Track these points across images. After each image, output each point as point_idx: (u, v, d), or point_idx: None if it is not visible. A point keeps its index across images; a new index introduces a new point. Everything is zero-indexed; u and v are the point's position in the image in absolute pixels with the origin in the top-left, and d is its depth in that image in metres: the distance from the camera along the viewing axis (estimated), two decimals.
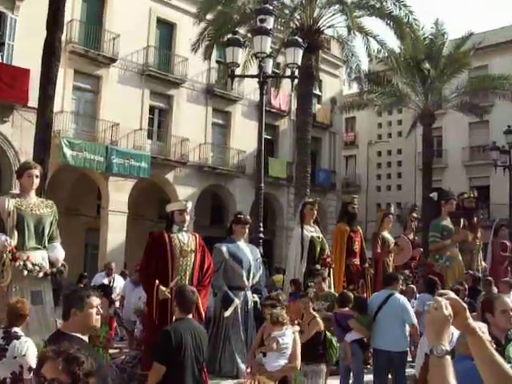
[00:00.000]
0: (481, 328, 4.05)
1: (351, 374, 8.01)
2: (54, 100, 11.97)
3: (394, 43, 24.03)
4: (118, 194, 25.63)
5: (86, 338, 3.96)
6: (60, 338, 3.70)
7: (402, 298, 8.04)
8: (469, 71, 32.30)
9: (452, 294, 2.44)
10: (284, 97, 32.91)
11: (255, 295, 8.38)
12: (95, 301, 3.97)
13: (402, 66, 24.55)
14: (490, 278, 11.09)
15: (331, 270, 9.78)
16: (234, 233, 8.54)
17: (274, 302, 6.64)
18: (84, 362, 2.78)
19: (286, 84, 22.79)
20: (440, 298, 2.28)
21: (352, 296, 8.35)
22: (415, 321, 7.75)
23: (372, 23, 64.56)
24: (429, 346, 2.24)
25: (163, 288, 6.84)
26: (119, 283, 13.23)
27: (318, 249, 9.55)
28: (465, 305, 2.36)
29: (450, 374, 2.15)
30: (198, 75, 29.32)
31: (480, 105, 30.45)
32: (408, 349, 8.12)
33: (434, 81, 28.11)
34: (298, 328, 6.56)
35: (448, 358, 2.17)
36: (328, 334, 7.43)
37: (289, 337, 6.21)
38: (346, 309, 8.05)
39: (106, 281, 12.93)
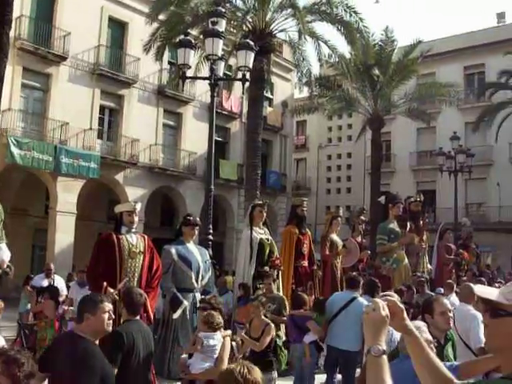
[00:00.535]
0: (421, 327, 4.19)
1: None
2: (2, 98, 11.72)
3: (344, 49, 24.45)
4: (67, 195, 25.22)
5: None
6: (72, 338, 3.97)
7: (366, 302, 7.93)
8: (417, 78, 32.97)
9: (394, 296, 2.51)
10: (235, 99, 32.99)
11: (204, 297, 8.39)
12: (107, 306, 4.22)
13: (352, 71, 24.87)
14: (450, 281, 11.24)
15: (280, 271, 9.85)
16: (183, 234, 8.53)
17: (206, 305, 6.54)
18: (24, 364, 2.76)
19: (238, 86, 22.86)
20: (377, 300, 2.33)
21: (306, 298, 8.42)
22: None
23: (323, 28, 65.33)
24: (366, 346, 2.30)
25: (111, 290, 6.78)
26: (60, 284, 12.96)
27: (267, 251, 9.61)
28: (402, 306, 2.43)
29: (386, 373, 2.18)
30: (150, 76, 29.12)
31: (427, 111, 31.11)
32: (358, 350, 7.86)
33: (383, 86, 28.57)
34: (229, 332, 6.34)
35: (384, 357, 2.20)
36: (278, 340, 7.46)
37: (217, 340, 5.96)
38: (302, 310, 8.11)
39: (45, 282, 12.67)
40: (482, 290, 2.29)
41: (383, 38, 28.83)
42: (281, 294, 9.29)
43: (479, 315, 6.61)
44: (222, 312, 6.50)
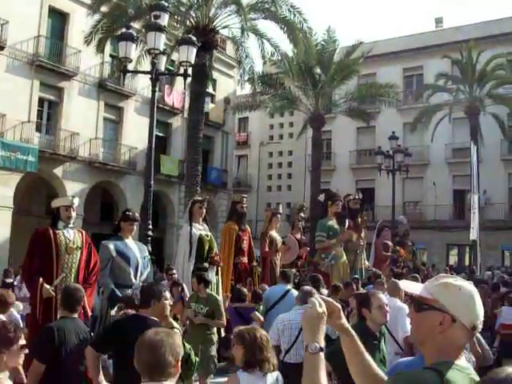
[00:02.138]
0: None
1: None
2: None
3: (287, 47, 24.47)
4: (3, 189, 24.55)
5: None
6: (144, 320, 4.53)
7: (294, 291, 8.49)
8: (358, 78, 33.49)
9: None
10: (178, 94, 32.80)
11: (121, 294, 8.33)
12: (168, 295, 4.95)
13: (294, 69, 25.09)
14: (380, 279, 11.45)
15: (219, 268, 9.87)
16: (121, 230, 8.45)
17: (120, 304, 6.39)
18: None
19: (180, 82, 22.69)
20: (314, 298, 2.37)
21: (246, 291, 8.93)
22: None
23: (267, 26, 65.54)
24: (304, 342, 2.34)
25: (47, 286, 6.68)
26: None
27: (207, 247, 9.61)
28: (338, 305, 2.49)
29: (323, 370, 2.23)
30: (91, 68, 28.62)
31: (367, 111, 31.61)
32: None
33: (325, 86, 28.87)
34: None
35: (321, 355, 2.25)
36: (187, 346, 6.84)
37: None
38: (246, 303, 8.55)
39: None
40: (406, 286, 2.41)
41: (325, 37, 29.14)
42: (215, 294, 8.74)
43: (405, 307, 6.97)
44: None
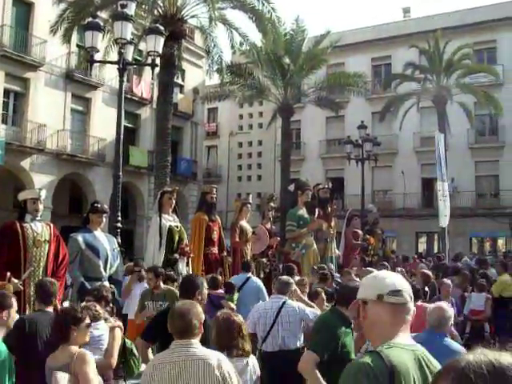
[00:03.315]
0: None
1: None
2: None
3: (256, 37, 24.40)
4: None
5: None
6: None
7: (259, 281, 9.43)
8: (326, 68, 33.58)
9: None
10: (146, 85, 32.58)
11: (113, 285, 8.27)
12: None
13: (263, 59, 25.02)
14: (347, 269, 11.54)
15: (189, 258, 9.83)
16: (90, 222, 8.37)
17: (88, 297, 6.27)
18: None
19: (149, 72, 22.57)
20: None
21: (221, 279, 9.28)
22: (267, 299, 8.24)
23: (236, 16, 65.31)
24: None
25: (15, 280, 6.61)
26: None
27: (177, 238, 9.56)
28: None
29: None
30: (58, 59, 28.22)
31: (336, 100, 31.69)
32: None
33: (294, 75, 28.86)
34: (119, 323, 5.91)
35: None
36: (128, 341, 6.41)
37: (102, 330, 5.60)
38: (219, 290, 8.84)
39: None
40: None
41: (294, 27, 29.12)
42: (173, 288, 8.27)
43: None
44: (107, 300, 6.22)
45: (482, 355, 1.47)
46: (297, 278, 9.15)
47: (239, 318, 4.79)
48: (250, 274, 9.66)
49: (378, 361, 2.29)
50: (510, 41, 36.38)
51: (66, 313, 4.64)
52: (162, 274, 8.19)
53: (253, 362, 4.86)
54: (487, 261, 17.46)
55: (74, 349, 4.45)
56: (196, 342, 3.72)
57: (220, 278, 9.33)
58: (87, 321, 4.56)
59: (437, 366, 2.40)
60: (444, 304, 5.85)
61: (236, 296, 9.12)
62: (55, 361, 4.44)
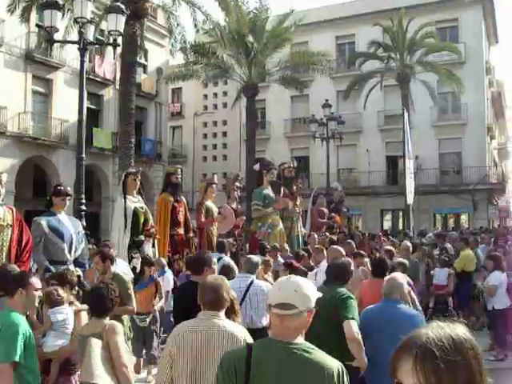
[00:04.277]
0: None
1: None
2: None
3: (219, 16, 24.26)
4: None
5: None
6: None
7: (228, 260, 9.38)
8: (291, 46, 33.50)
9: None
10: (109, 65, 32.11)
11: (78, 269, 8.20)
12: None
13: (226, 38, 24.90)
14: (318, 246, 11.60)
15: (155, 240, 9.80)
16: (53, 205, 8.26)
17: (52, 281, 6.17)
18: None
19: (112, 52, 22.22)
20: None
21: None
22: None
23: None
24: None
25: None
26: None
27: (142, 220, 9.51)
28: None
29: None
30: (17, 39, 27.57)
31: (301, 79, 31.70)
32: None
33: (258, 54, 28.79)
34: (84, 307, 5.72)
35: None
36: None
37: (66, 314, 5.57)
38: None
39: None
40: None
41: (257, 6, 28.99)
42: (121, 273, 7.60)
43: None
44: (72, 284, 6.11)
45: (439, 329, 1.53)
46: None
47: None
48: (223, 255, 9.63)
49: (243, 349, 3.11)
50: (472, 19, 36.80)
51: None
52: (110, 257, 7.49)
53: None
54: (443, 235, 17.80)
55: (106, 320, 4.90)
56: (222, 314, 4.02)
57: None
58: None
59: None
60: (397, 274, 6.19)
61: None
62: (88, 330, 4.90)
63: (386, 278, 5.95)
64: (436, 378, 1.44)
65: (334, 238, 13.14)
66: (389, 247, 11.04)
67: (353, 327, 5.06)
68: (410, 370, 1.48)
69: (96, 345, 4.75)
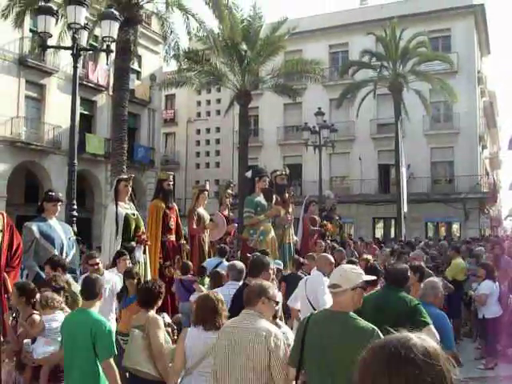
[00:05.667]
0: None
1: None
2: None
3: (213, 23, 24.35)
4: None
5: None
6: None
7: (226, 263, 9.53)
8: (284, 54, 33.60)
9: None
10: (102, 71, 32.09)
11: (69, 274, 8.17)
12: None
13: (220, 46, 24.90)
14: (311, 253, 11.61)
15: (147, 246, 9.77)
16: (45, 211, 8.25)
17: (45, 288, 6.13)
18: None
19: (105, 58, 22.19)
20: None
21: (191, 264, 9.98)
22: None
23: (192, 2, 64.67)
24: None
25: None
26: None
27: (133, 226, 9.48)
28: None
29: None
30: (10, 44, 27.55)
31: (294, 87, 31.72)
32: None
33: (251, 62, 28.81)
34: None
35: None
36: None
37: (60, 321, 5.56)
38: (189, 276, 9.56)
39: None
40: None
41: (251, 14, 29.03)
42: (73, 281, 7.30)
43: (326, 282, 7.24)
44: (65, 290, 6.12)
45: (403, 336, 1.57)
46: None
47: (216, 296, 5.16)
48: (223, 259, 10.28)
49: None
50: (465, 29, 37.07)
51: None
52: (62, 265, 7.23)
53: None
54: (412, 243, 18.62)
55: (150, 314, 5.56)
56: (256, 312, 4.34)
57: (191, 263, 10.04)
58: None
59: None
60: (435, 279, 6.64)
61: (207, 280, 9.30)
62: (136, 321, 5.62)
63: (425, 281, 6.37)
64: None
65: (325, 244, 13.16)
66: (366, 256, 10.87)
67: (436, 334, 5.24)
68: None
69: (137, 335, 5.50)
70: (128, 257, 8.66)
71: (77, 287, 6.70)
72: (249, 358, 4.13)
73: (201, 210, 11.77)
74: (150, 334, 5.41)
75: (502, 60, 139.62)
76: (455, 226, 37.91)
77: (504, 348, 10.81)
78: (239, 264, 7.46)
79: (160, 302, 5.87)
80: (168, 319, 7.67)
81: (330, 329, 3.86)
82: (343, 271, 4.08)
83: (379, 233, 38.87)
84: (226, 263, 9.77)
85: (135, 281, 7.42)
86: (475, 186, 35.83)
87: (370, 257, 10.43)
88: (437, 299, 6.02)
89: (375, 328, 3.78)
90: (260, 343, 4.12)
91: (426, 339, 1.55)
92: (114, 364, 4.97)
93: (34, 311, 5.85)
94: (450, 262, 13.66)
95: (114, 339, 5.13)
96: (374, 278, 4.42)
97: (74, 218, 11.28)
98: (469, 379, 6.89)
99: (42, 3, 12.56)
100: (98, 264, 7.76)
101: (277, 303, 4.64)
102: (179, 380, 5.01)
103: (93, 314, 5.10)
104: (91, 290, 5.21)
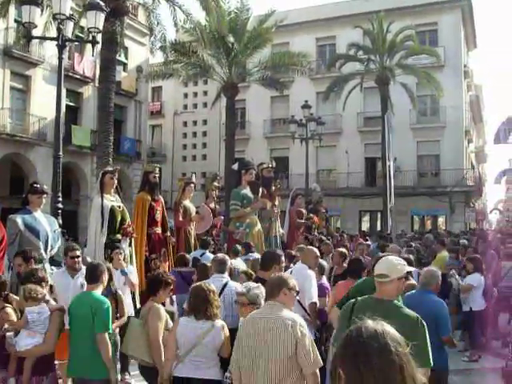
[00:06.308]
0: None
1: None
2: None
3: (200, 15, 24.21)
4: None
5: None
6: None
7: (210, 255, 9.64)
8: (271, 47, 33.55)
9: None
10: (88, 62, 31.87)
11: (54, 267, 8.14)
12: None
13: (207, 38, 24.83)
14: (302, 245, 11.62)
15: (132, 239, 9.74)
16: (30, 203, 8.20)
17: (27, 280, 6.04)
18: None
19: (91, 49, 22.04)
20: None
21: (189, 257, 10.05)
22: None
23: None
24: None
25: None
26: None
27: (119, 218, 9.44)
28: None
29: None
30: None
31: (281, 80, 31.69)
32: None
33: (238, 54, 28.72)
34: (60, 306, 5.85)
35: None
36: None
37: (42, 313, 5.52)
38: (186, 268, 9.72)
39: None
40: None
41: (238, 6, 28.93)
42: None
43: (313, 275, 7.42)
44: (46, 282, 6.01)
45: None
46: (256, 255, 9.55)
47: (207, 286, 5.41)
48: (206, 251, 10.56)
49: None
50: (451, 24, 37.20)
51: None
52: (33, 257, 7.06)
53: (218, 325, 5.30)
54: (385, 236, 18.75)
55: (153, 303, 5.91)
56: (279, 304, 4.44)
57: (188, 256, 10.15)
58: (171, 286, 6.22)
59: None
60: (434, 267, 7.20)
61: None
62: (143, 310, 6.05)
63: (425, 268, 6.78)
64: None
65: (311, 237, 13.19)
66: (341, 249, 10.75)
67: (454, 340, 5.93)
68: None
69: (135, 323, 5.99)
70: (121, 251, 8.65)
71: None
72: (275, 347, 4.24)
73: (187, 203, 11.76)
74: (149, 322, 5.75)
75: (488, 54, 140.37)
76: (441, 220, 38.12)
77: (488, 340, 10.91)
78: (221, 256, 7.49)
79: (167, 291, 6.19)
80: (171, 308, 7.99)
81: (374, 316, 3.89)
82: (390, 263, 4.35)
83: (365, 226, 38.99)
84: (208, 255, 10.06)
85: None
86: (461, 179, 36.02)
87: (344, 250, 10.49)
88: (436, 287, 6.31)
89: (419, 316, 4.11)
90: (286, 332, 4.23)
91: (379, 322, 1.93)
92: (107, 338, 5.47)
93: (6, 304, 5.79)
94: (435, 256, 13.74)
95: (110, 317, 5.59)
96: (413, 269, 4.89)
97: (60, 211, 11.25)
98: (453, 371, 6.92)
99: None
100: (78, 257, 7.65)
101: (297, 293, 4.78)
102: (172, 367, 5.25)
103: (94, 294, 5.68)
104: (93, 275, 5.81)
